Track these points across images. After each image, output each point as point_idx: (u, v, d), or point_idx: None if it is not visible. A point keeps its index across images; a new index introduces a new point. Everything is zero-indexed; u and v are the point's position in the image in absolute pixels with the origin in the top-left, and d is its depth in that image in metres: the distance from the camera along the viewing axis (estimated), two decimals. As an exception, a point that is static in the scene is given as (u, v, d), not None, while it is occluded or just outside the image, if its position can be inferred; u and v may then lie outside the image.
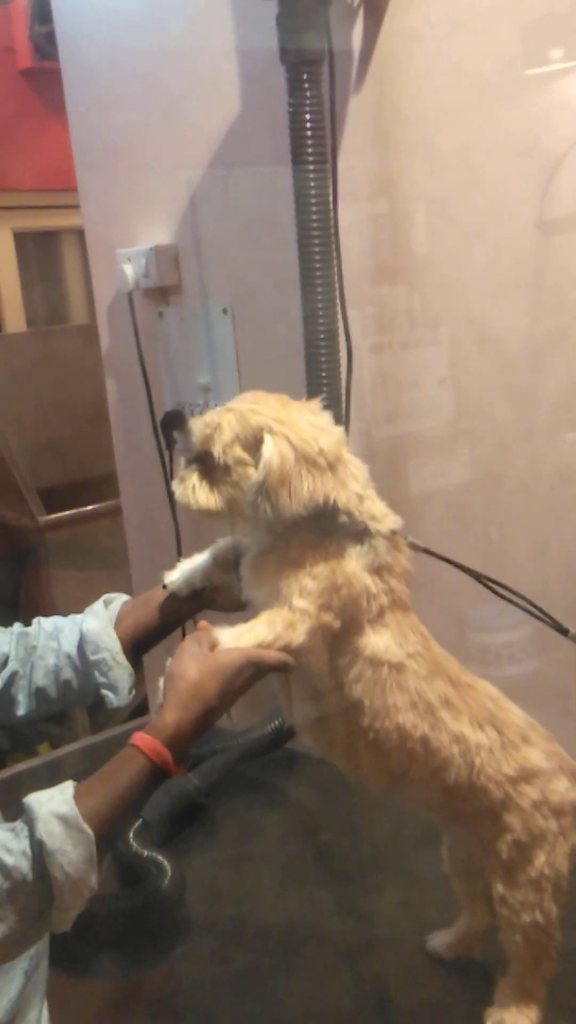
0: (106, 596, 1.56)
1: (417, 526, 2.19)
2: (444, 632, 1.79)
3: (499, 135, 1.98)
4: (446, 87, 1.99)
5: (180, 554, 2.37)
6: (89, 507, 3.86)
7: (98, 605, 1.54)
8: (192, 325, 2.40)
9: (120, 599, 1.55)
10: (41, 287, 5.22)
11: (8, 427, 3.91)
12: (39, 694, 1.50)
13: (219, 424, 1.34)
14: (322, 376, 1.97)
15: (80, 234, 3.06)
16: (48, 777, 2.20)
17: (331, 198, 1.92)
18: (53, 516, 3.82)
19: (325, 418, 1.38)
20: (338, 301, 1.96)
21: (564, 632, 1.62)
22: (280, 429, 1.31)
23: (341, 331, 1.98)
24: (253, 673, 1.31)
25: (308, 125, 1.88)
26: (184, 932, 1.83)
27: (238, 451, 1.33)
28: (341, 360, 1.99)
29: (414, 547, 1.44)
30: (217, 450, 1.33)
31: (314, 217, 1.91)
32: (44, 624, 1.54)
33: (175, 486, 1.39)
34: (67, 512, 3.85)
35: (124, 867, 1.92)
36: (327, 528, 1.34)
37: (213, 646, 1.32)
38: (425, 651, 1.40)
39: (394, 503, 2.17)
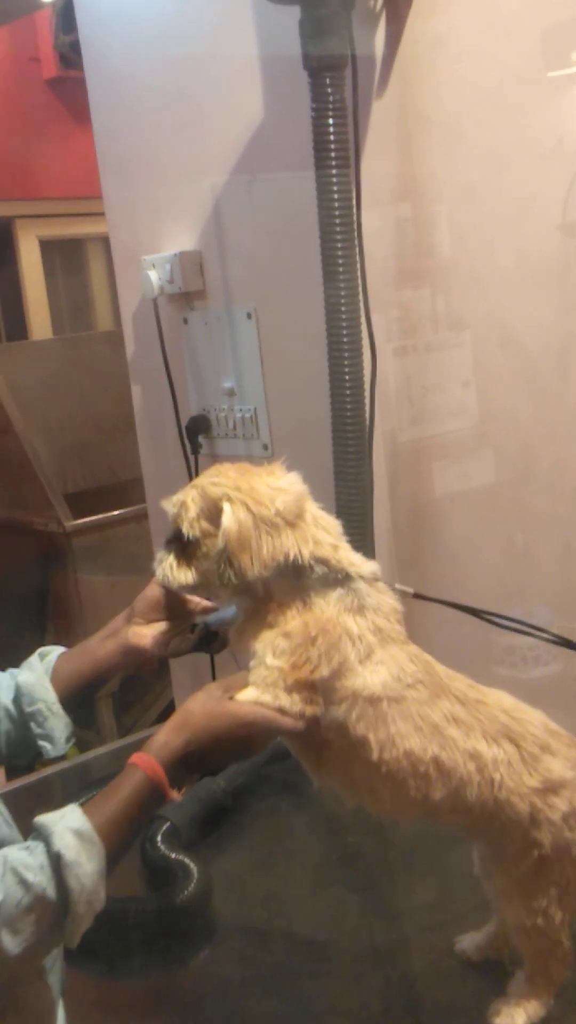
0: (41, 649, 1.58)
1: (442, 528, 2.19)
2: (470, 634, 1.79)
3: (522, 138, 1.98)
4: (468, 90, 2.00)
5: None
6: (115, 512, 3.88)
7: (34, 659, 1.56)
8: (217, 330, 2.41)
9: (56, 651, 1.57)
10: (67, 294, 5.26)
11: (35, 433, 3.94)
12: None
13: (184, 501, 1.40)
14: (346, 380, 1.98)
15: (105, 241, 3.09)
16: (77, 780, 2.22)
17: (354, 202, 1.92)
18: (80, 521, 3.84)
19: (289, 478, 1.42)
20: (362, 305, 1.97)
21: (573, 647, 1.61)
22: (237, 496, 1.36)
23: (365, 335, 1.98)
24: (262, 732, 1.35)
25: (331, 130, 1.88)
26: (211, 934, 1.83)
27: (204, 524, 1.39)
28: (365, 364, 1.99)
29: (403, 593, 1.47)
30: (185, 527, 1.39)
31: (337, 221, 1.91)
32: None
33: (155, 566, 1.45)
34: (93, 517, 3.87)
35: (151, 869, 1.93)
36: (301, 584, 1.38)
37: (234, 693, 1.37)
38: (427, 676, 1.41)
39: (419, 506, 2.19)
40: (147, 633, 1.53)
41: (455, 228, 2.09)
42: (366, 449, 2.01)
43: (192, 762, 1.33)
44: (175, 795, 1.31)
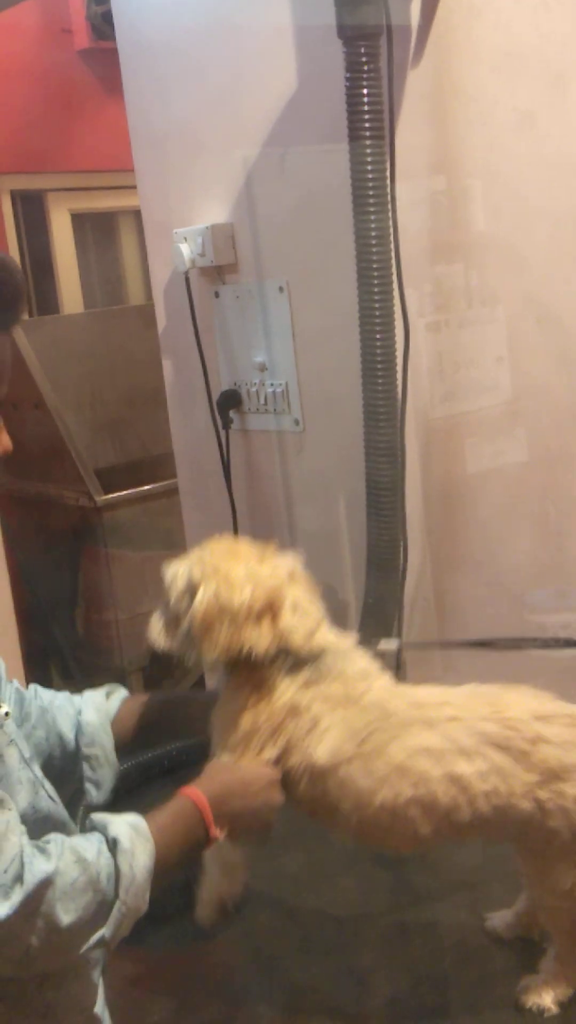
0: (108, 687, 1.63)
1: (474, 506, 2.18)
2: (502, 613, 1.78)
3: (560, 110, 1.96)
4: (505, 61, 1.97)
5: (236, 533, 2.39)
6: (146, 487, 3.88)
7: (99, 696, 1.61)
8: (248, 304, 2.40)
9: (119, 695, 1.62)
10: (98, 268, 5.25)
11: (66, 407, 3.94)
12: None
13: (176, 573, 1.49)
14: (378, 355, 1.96)
15: (137, 215, 3.07)
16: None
17: (388, 175, 1.90)
18: (111, 496, 3.84)
19: (274, 564, 1.47)
20: (395, 279, 1.95)
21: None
22: (211, 581, 1.43)
23: (398, 309, 1.96)
24: (273, 786, 1.43)
25: (365, 101, 1.86)
26: (239, 907, 1.84)
27: (186, 601, 1.46)
28: (398, 339, 1.98)
29: (415, 645, 1.53)
30: (173, 599, 1.47)
31: (371, 194, 1.89)
32: (41, 695, 1.58)
33: (149, 625, 1.53)
34: (124, 492, 3.88)
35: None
36: (271, 669, 1.45)
37: None
38: (385, 718, 1.43)
39: (450, 482, 2.17)
40: None
41: (490, 202, 2.06)
42: (398, 424, 2.00)
43: (227, 812, 1.37)
44: (218, 832, 1.35)
